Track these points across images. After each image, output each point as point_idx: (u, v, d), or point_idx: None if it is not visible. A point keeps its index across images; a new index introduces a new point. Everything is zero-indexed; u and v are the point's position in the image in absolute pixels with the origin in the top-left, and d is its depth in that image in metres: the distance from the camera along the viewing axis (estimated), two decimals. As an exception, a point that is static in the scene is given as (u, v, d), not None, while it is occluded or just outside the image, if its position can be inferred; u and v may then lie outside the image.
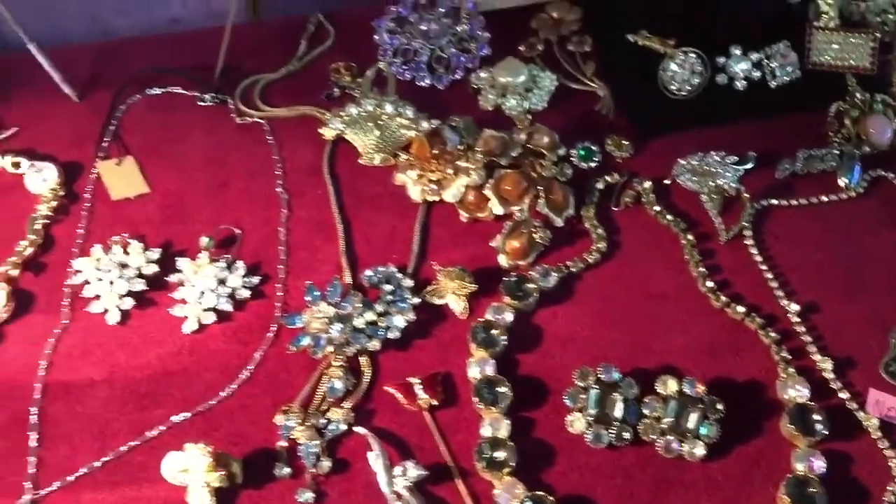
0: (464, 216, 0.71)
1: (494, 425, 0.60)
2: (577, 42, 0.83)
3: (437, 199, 0.72)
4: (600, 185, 0.73)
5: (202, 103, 0.79)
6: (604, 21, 0.83)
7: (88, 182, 0.74)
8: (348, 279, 0.68)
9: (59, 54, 0.79)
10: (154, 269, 0.67)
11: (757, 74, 0.78)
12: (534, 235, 0.68)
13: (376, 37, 0.82)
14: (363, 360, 0.64)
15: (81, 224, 0.71)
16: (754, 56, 0.79)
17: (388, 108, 0.77)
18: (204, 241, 0.69)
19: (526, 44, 0.83)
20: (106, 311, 0.66)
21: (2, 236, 0.70)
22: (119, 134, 0.77)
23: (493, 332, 0.64)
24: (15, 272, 0.67)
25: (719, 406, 0.59)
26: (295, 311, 0.66)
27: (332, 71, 0.81)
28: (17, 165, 0.73)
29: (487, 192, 0.71)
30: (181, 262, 0.68)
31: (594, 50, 0.82)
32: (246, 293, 0.67)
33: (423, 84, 0.81)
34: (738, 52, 0.79)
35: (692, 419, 0.59)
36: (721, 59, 0.79)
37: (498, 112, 0.78)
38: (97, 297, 0.66)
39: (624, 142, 0.76)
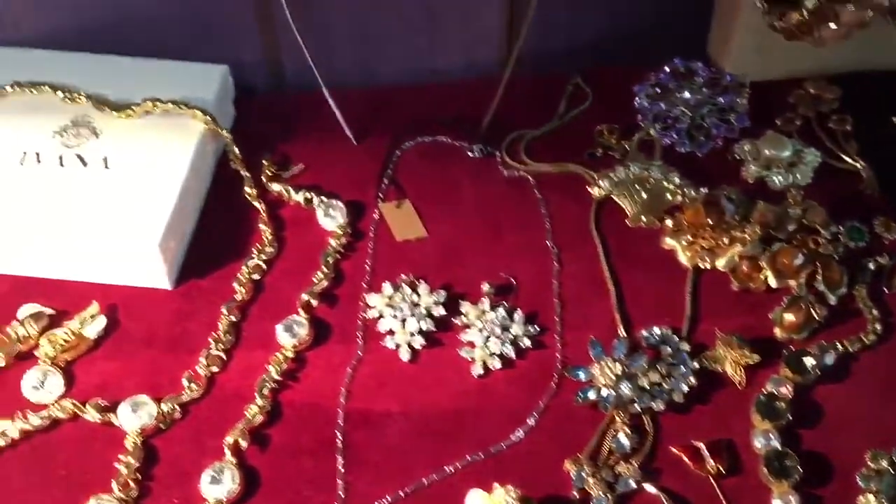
0: (735, 285, 0.73)
1: (785, 499, 0.61)
2: (837, 120, 0.84)
3: (707, 266, 0.74)
4: (871, 266, 0.74)
5: (470, 154, 0.85)
6: (866, 101, 0.84)
7: (371, 222, 0.79)
8: (623, 337, 0.71)
9: (333, 97, 0.86)
10: (441, 311, 0.72)
11: None
12: (811, 311, 0.70)
13: (636, 102, 0.85)
14: (645, 418, 0.66)
15: (368, 261, 0.76)
16: None
17: (655, 173, 0.80)
18: (485, 287, 0.73)
19: (783, 118, 0.85)
20: (398, 346, 0.70)
21: (298, 267, 0.76)
22: (395, 178, 0.83)
23: (777, 404, 0.65)
24: (314, 302, 0.73)
25: None
26: (577, 364, 0.69)
27: (597, 133, 0.84)
28: (308, 201, 0.79)
29: (762, 263, 0.73)
30: (466, 307, 0.72)
31: (856, 129, 0.83)
32: (527, 342, 0.70)
33: (682, 150, 0.83)
34: None
35: None
36: None
37: (760, 184, 0.81)
38: (391, 332, 0.71)
39: (893, 223, 0.76)
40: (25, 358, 0.69)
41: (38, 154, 0.74)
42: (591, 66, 0.92)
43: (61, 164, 0.74)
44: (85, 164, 0.74)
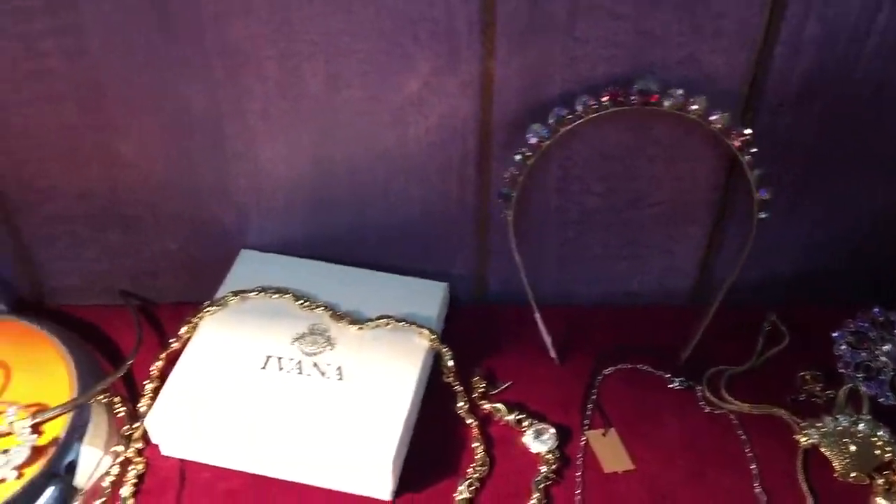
0: (956, 559, 0.72)
1: None
2: None
3: (925, 533, 0.74)
4: None
5: (670, 385, 0.87)
6: None
7: (578, 449, 0.82)
8: None
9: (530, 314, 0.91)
10: (656, 554, 0.73)
11: None
12: None
13: (836, 349, 0.87)
14: None
15: (577, 490, 0.79)
16: None
17: (863, 428, 0.80)
18: (698, 533, 0.74)
19: None
20: (614, 588, 0.71)
21: (509, 489, 0.78)
22: (599, 403, 0.86)
23: None
24: (529, 531, 0.75)
25: None
26: None
27: (800, 379, 0.86)
28: (519, 423, 0.83)
29: None
30: (679, 552, 0.73)
31: None
32: None
33: (885, 403, 0.84)
34: None
35: None
36: None
37: (972, 447, 0.80)
38: (605, 572, 0.72)
39: None
40: (258, 560, 0.73)
41: (279, 360, 0.81)
42: (782, 300, 0.96)
43: (300, 372, 0.80)
44: (322, 372, 0.80)
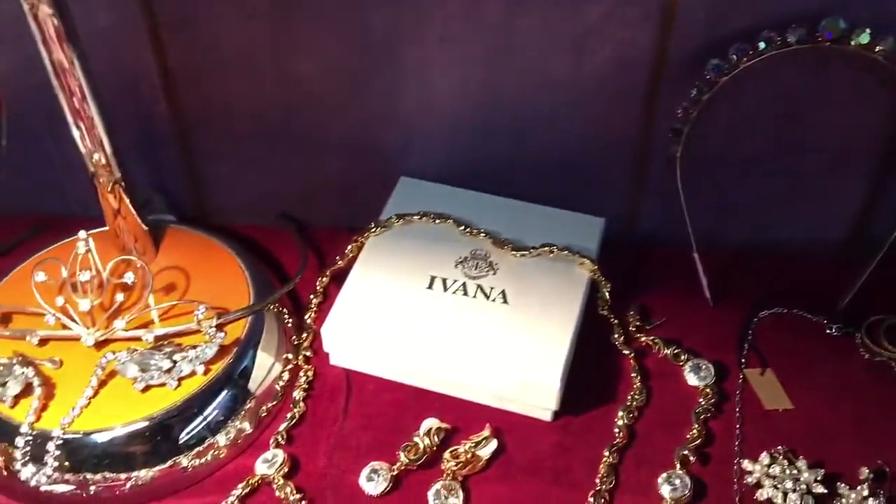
0: None
1: None
2: None
3: None
4: None
5: (828, 331, 0.87)
6: None
7: (736, 385, 0.82)
8: None
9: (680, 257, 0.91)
10: (821, 489, 0.73)
11: None
12: None
13: None
14: None
15: (737, 425, 0.79)
16: None
17: None
18: (864, 472, 0.73)
19: None
20: (779, 518, 0.72)
21: (668, 419, 0.79)
22: (754, 344, 0.86)
23: None
24: (691, 458, 0.76)
25: None
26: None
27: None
28: (677, 356, 0.84)
29: None
30: (843, 489, 0.73)
31: None
32: (913, 538, 0.71)
33: None
34: None
35: None
36: None
37: None
38: (770, 502, 0.73)
39: None
40: (426, 467, 0.76)
41: (444, 280, 0.84)
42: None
43: (465, 293, 0.82)
44: (487, 295, 0.82)
